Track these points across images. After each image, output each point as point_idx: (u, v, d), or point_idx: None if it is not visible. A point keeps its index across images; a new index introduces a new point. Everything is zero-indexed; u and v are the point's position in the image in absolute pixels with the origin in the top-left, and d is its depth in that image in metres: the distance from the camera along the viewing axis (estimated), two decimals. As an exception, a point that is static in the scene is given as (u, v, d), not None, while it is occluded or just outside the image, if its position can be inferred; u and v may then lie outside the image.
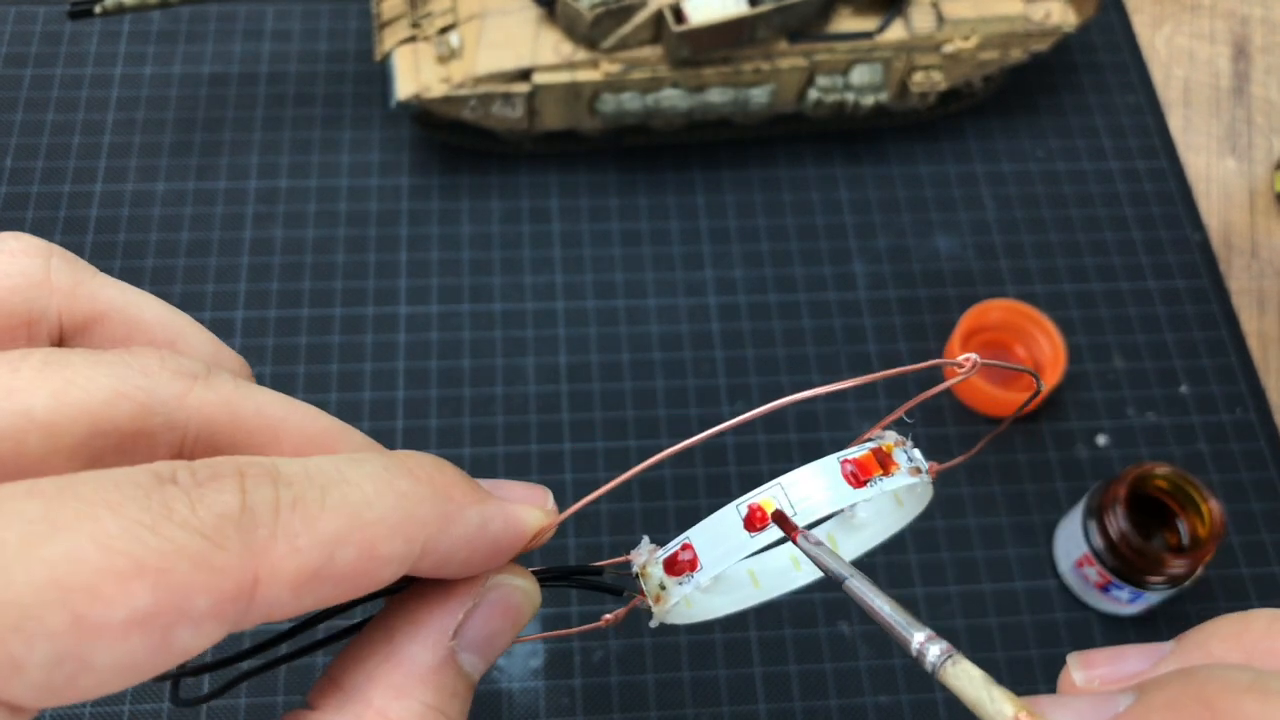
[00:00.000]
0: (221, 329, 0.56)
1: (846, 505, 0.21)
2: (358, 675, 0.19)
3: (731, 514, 0.21)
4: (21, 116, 0.62)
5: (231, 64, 0.65)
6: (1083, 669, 0.21)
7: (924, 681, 0.49)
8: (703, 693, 0.48)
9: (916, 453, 0.22)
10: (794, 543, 0.21)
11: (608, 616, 0.24)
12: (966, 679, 0.18)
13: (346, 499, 0.17)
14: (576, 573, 0.24)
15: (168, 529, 0.15)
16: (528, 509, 0.21)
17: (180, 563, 0.15)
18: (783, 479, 0.21)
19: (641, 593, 0.23)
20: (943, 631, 0.51)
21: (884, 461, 0.22)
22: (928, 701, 0.48)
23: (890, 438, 0.22)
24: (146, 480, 0.16)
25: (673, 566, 0.22)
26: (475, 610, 0.20)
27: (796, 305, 0.59)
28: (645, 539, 0.23)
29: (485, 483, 0.21)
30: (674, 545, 0.22)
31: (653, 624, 0.23)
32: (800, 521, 0.21)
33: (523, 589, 0.21)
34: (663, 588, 0.22)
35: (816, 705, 0.48)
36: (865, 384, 0.22)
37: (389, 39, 0.58)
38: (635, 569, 0.23)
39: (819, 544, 0.21)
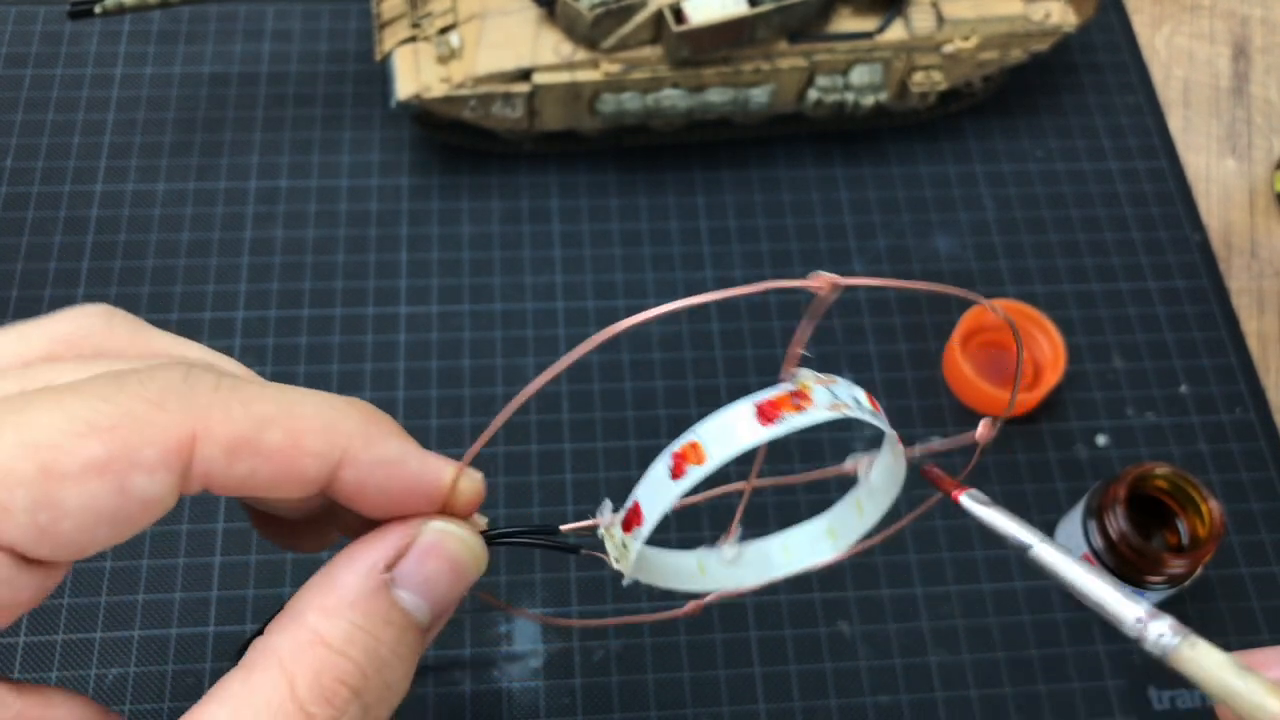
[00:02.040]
0: (222, 329, 0.56)
1: (759, 442, 0.22)
2: (300, 601, 0.21)
3: (661, 467, 0.23)
4: (21, 116, 0.62)
5: (232, 64, 0.65)
6: None
7: (924, 681, 0.49)
8: (703, 693, 0.48)
9: (847, 389, 0.23)
10: (956, 503, 0.21)
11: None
12: (1213, 665, 0.15)
13: (282, 394, 0.21)
14: (529, 531, 0.25)
15: (119, 398, 0.19)
16: (446, 463, 0.23)
17: (127, 421, 0.19)
18: (698, 426, 0.22)
19: (605, 553, 0.24)
20: (943, 631, 0.51)
21: (798, 400, 0.22)
22: (928, 701, 0.48)
23: (805, 376, 0.23)
24: (108, 372, 0.20)
25: (628, 525, 0.23)
26: (410, 550, 0.22)
27: (796, 305, 0.59)
28: (607, 502, 0.24)
29: None
30: (627, 505, 0.23)
31: (625, 583, 0.24)
32: (714, 462, 0.22)
33: (459, 537, 0.23)
34: (625, 546, 0.23)
35: (816, 705, 0.48)
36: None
37: (389, 39, 0.58)
38: (602, 531, 0.24)
39: (989, 504, 0.21)
